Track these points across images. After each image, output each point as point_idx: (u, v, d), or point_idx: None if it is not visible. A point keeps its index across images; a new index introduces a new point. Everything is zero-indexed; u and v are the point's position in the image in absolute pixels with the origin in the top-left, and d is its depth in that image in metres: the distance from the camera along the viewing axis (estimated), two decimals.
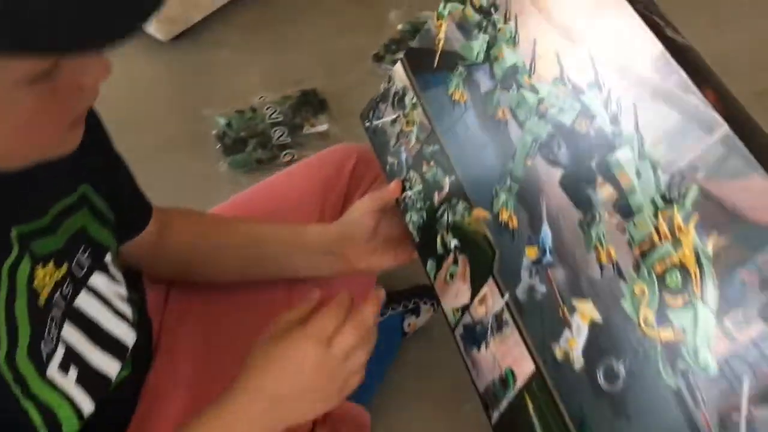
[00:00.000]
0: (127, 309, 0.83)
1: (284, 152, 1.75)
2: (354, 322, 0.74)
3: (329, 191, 1.07)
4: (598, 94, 0.72)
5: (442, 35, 0.91)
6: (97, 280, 0.79)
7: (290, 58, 2.00)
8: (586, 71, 0.73)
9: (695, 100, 0.64)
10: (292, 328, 0.74)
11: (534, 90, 0.78)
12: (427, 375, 1.37)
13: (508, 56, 0.81)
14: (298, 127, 1.81)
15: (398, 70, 0.98)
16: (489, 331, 0.79)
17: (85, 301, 0.77)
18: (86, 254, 0.77)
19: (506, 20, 0.83)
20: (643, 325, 0.65)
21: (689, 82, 0.64)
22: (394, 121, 0.97)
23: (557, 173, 0.75)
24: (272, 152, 1.76)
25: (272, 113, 1.82)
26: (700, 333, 0.61)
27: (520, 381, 0.74)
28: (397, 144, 0.96)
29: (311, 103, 1.85)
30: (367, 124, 1.02)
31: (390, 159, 0.97)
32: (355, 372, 0.75)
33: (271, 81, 1.93)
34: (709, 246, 0.61)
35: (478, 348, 0.80)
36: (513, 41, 0.82)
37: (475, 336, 0.81)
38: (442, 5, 0.92)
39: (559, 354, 0.71)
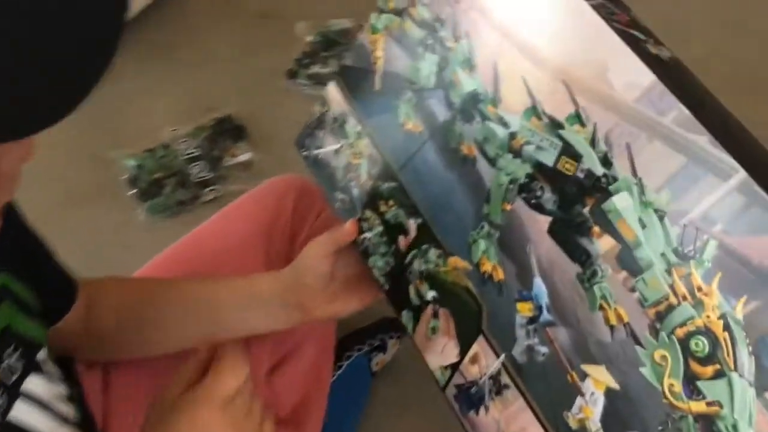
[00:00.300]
0: (69, 410, 0.72)
1: (207, 189, 1.59)
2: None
3: (273, 232, 0.95)
4: (581, 130, 0.62)
5: (380, 53, 0.79)
6: (33, 383, 0.67)
7: (197, 84, 1.81)
8: (563, 101, 0.63)
9: (702, 140, 0.55)
10: (188, 393, 0.64)
11: (502, 122, 0.68)
12: (402, 411, 1.29)
13: (466, 81, 0.71)
14: (218, 160, 1.64)
15: (333, 92, 0.85)
16: (487, 394, 0.71)
17: (21, 412, 0.65)
18: (16, 356, 0.65)
19: (456, 38, 0.71)
20: (669, 395, 0.58)
21: (693, 119, 0.56)
22: (337, 152, 0.85)
23: (544, 220, 0.66)
24: (194, 191, 1.59)
25: (187, 148, 1.64)
26: (738, 407, 0.54)
27: None
28: (346, 178, 0.85)
29: (228, 131, 1.68)
30: (305, 153, 0.90)
31: (339, 195, 0.86)
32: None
33: (179, 112, 1.74)
34: (738, 309, 0.54)
35: (477, 411, 0.72)
36: (469, 64, 0.71)
37: (470, 398, 0.73)
38: (374, 17, 0.79)
39: (573, 423, 0.64)
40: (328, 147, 0.86)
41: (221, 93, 1.79)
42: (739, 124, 0.58)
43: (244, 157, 1.64)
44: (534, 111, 0.65)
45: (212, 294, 0.87)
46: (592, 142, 0.61)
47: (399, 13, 0.77)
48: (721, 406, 0.55)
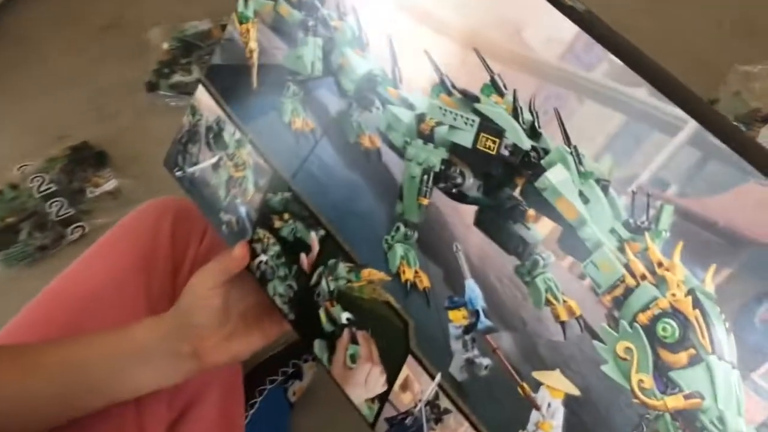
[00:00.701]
0: None
1: (71, 227, 1.42)
2: None
3: (151, 266, 0.81)
4: (500, 100, 0.54)
5: (254, 44, 0.68)
6: None
7: (42, 111, 1.61)
8: (475, 71, 0.55)
9: (641, 93, 0.48)
10: None
11: (407, 105, 0.59)
12: None
13: (358, 63, 0.61)
14: (79, 193, 1.47)
15: (202, 97, 0.74)
16: (426, 424, 0.60)
17: None
18: None
19: (341, 16, 0.62)
20: (639, 393, 0.49)
21: (627, 69, 0.48)
22: (216, 166, 0.73)
23: (469, 211, 0.57)
24: (55, 232, 1.41)
25: (41, 184, 1.46)
26: (722, 395, 0.46)
27: None
28: (229, 195, 0.73)
29: (86, 159, 1.51)
30: (179, 173, 0.77)
31: (224, 216, 0.73)
32: None
33: (25, 145, 1.55)
34: (708, 281, 0.46)
35: None
36: (359, 43, 0.61)
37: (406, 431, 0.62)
38: (242, 4, 0.68)
39: None
40: (204, 162, 0.74)
41: (72, 117, 1.61)
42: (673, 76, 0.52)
43: (109, 185, 1.49)
44: (442, 87, 0.56)
45: (79, 356, 0.72)
46: (515, 113, 0.53)
47: None
48: (702, 397, 0.47)
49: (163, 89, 1.62)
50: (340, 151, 0.63)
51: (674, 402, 0.48)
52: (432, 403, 0.60)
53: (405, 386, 0.62)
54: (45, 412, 0.71)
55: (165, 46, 1.69)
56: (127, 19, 1.81)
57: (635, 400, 0.49)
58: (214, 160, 0.73)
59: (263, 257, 0.70)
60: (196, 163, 0.75)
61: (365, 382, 0.64)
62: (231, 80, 0.71)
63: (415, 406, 0.61)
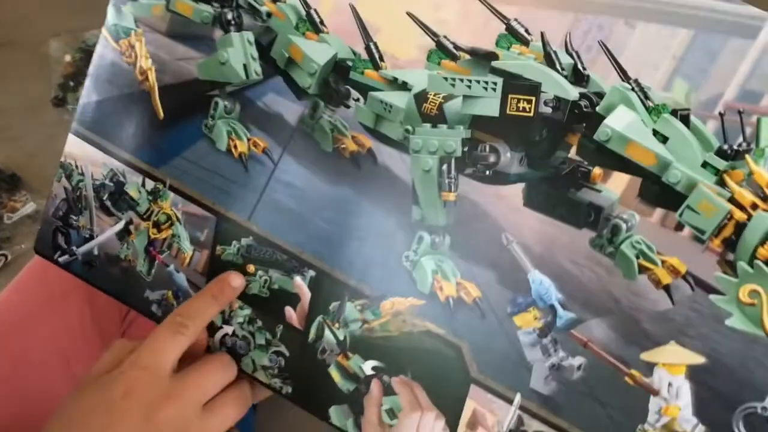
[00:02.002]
0: None
1: None
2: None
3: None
4: (525, 50, 0.44)
5: (146, 62, 0.51)
6: None
7: None
8: (484, 22, 0.44)
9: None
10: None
11: (398, 85, 0.47)
12: None
13: (316, 51, 0.48)
14: None
15: (75, 152, 0.55)
16: None
17: None
18: None
19: None
20: None
21: None
22: (123, 233, 0.55)
23: (514, 192, 0.46)
24: None
25: None
26: None
27: None
28: (154, 267, 0.55)
29: None
30: (63, 258, 0.58)
31: (152, 295, 0.56)
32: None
33: None
34: None
35: None
36: (312, 23, 0.48)
37: None
38: (112, 14, 0.51)
39: None
40: (103, 234, 0.56)
41: None
42: None
43: (27, 209, 1.42)
44: (442, 51, 0.45)
45: None
46: (548, 59, 0.44)
47: None
48: None
49: (71, 103, 1.54)
50: (315, 166, 0.49)
51: None
52: None
53: (474, 423, 0.51)
54: None
55: (68, 58, 1.59)
56: (20, 35, 1.68)
57: None
58: (119, 226, 0.55)
59: (227, 329, 0.54)
60: (89, 238, 0.56)
61: None
62: (120, 117, 0.53)
63: None
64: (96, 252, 0.56)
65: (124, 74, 0.52)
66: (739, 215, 0.42)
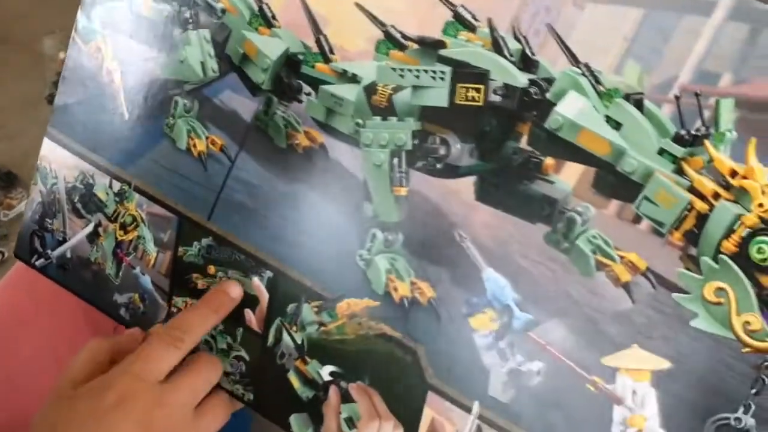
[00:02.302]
0: None
1: None
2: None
3: None
4: (473, 36, 0.43)
5: (112, 63, 0.52)
6: None
7: None
8: (430, 9, 0.43)
9: None
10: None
11: (348, 78, 0.46)
12: None
13: (267, 45, 0.47)
14: None
15: (50, 155, 0.56)
16: None
17: None
18: None
19: None
20: (747, 338, 0.39)
21: None
22: (93, 236, 0.56)
23: (466, 186, 0.44)
24: None
25: None
26: None
27: None
28: (122, 269, 0.55)
29: None
30: (40, 262, 0.58)
31: (120, 298, 0.56)
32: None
33: None
34: None
35: None
36: (264, 18, 0.48)
37: None
38: (82, 17, 0.52)
39: None
40: (75, 236, 0.56)
41: None
42: None
43: (23, 206, 1.43)
44: (390, 41, 0.44)
45: None
46: (496, 46, 0.42)
47: None
48: None
49: None
50: (269, 163, 0.49)
51: None
52: None
53: None
54: None
55: (62, 56, 1.58)
56: (14, 33, 1.73)
57: (745, 349, 0.39)
58: (89, 228, 0.55)
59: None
60: (63, 241, 0.57)
61: None
62: (89, 120, 0.54)
63: None
64: (69, 255, 0.57)
65: (92, 76, 0.53)
66: (701, 206, 0.39)
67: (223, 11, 0.48)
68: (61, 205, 0.56)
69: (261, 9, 0.47)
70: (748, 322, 0.39)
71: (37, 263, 0.58)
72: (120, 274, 0.55)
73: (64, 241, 0.57)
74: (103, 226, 0.55)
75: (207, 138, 0.50)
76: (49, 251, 0.57)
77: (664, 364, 0.41)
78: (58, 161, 0.56)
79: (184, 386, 0.47)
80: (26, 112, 1.57)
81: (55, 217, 0.57)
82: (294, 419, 0.52)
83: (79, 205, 0.55)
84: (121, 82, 0.52)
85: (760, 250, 0.38)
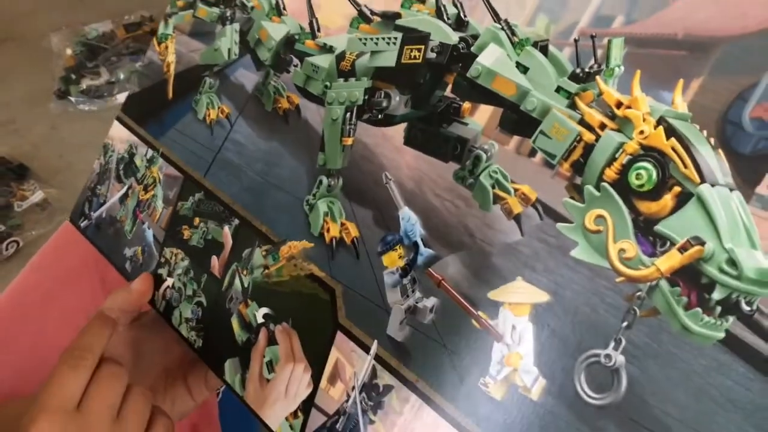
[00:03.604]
0: None
1: (5, 243, 1.37)
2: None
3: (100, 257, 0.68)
4: (422, 6, 0.50)
5: (171, 57, 0.65)
6: None
7: None
8: None
9: None
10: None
11: (326, 49, 0.54)
12: None
13: (275, 31, 0.57)
14: (6, 208, 1.42)
15: (115, 134, 0.68)
16: (362, 418, 0.45)
17: None
18: None
19: None
20: (621, 266, 0.37)
21: None
22: (124, 197, 0.65)
23: (398, 132, 0.49)
24: None
25: None
26: (725, 229, 0.35)
27: None
28: (135, 225, 0.63)
29: (6, 174, 1.46)
30: (84, 223, 0.68)
31: (128, 251, 0.63)
32: None
33: None
34: (678, 101, 0.38)
35: None
36: (276, 11, 0.58)
37: None
38: (162, 25, 0.66)
39: (496, 393, 0.40)
40: (111, 199, 0.66)
41: None
42: None
43: (35, 197, 1.43)
44: (361, 17, 0.52)
45: None
46: (438, 12, 0.48)
47: (191, 5, 0.64)
48: (700, 242, 0.35)
49: (74, 95, 1.60)
50: (257, 125, 0.56)
51: (668, 262, 0.36)
52: (369, 386, 0.45)
53: (334, 377, 0.48)
54: None
55: (69, 52, 1.68)
56: (22, 30, 1.79)
57: (619, 279, 0.37)
58: (122, 191, 0.65)
59: (169, 280, 0.59)
60: (102, 204, 0.66)
61: (286, 391, 0.50)
62: (147, 103, 0.66)
63: (347, 399, 0.46)
64: (104, 215, 0.66)
65: (156, 69, 0.66)
66: (588, 136, 0.41)
67: (252, 8, 0.60)
68: (109, 174, 0.67)
69: (276, 2, 0.58)
70: (623, 249, 0.38)
71: (82, 224, 0.68)
72: (133, 230, 0.63)
73: (104, 203, 0.66)
74: (133, 188, 0.64)
75: (219, 108, 0.59)
76: (92, 213, 0.67)
77: (544, 297, 0.40)
78: (117, 138, 0.67)
79: (97, 406, 0.48)
80: (34, 108, 1.61)
81: (103, 184, 0.67)
82: (228, 364, 0.53)
83: (121, 172, 0.66)
84: (173, 71, 0.64)
85: (638, 176, 0.38)
